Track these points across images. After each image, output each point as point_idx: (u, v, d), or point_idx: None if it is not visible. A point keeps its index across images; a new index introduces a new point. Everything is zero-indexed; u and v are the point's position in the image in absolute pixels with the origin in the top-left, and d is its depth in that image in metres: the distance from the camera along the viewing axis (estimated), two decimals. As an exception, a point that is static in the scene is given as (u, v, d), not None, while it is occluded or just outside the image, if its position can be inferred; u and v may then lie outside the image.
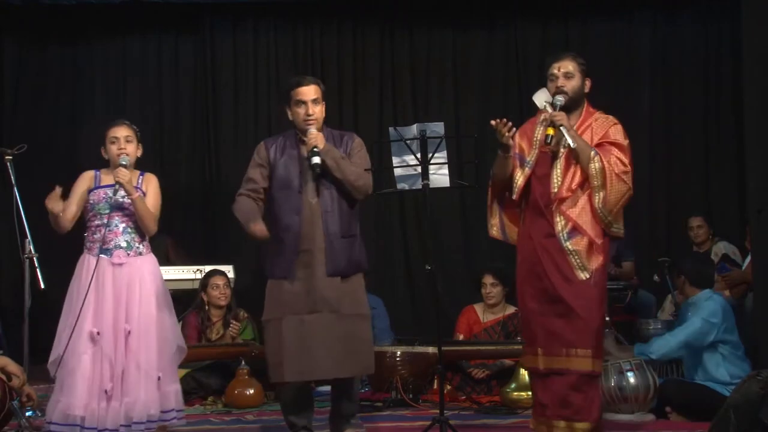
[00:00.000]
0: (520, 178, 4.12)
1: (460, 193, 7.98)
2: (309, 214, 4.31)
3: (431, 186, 4.30)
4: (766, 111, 4.64)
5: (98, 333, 4.32)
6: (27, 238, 5.12)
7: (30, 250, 5.11)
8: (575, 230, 3.98)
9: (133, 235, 4.48)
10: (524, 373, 5.62)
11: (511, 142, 4.09)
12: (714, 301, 5.17)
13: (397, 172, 4.40)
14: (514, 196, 4.13)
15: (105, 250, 4.41)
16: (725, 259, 6.66)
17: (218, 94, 8.16)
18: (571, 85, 4.06)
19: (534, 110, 4.22)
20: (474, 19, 8.28)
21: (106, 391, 4.27)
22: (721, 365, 5.07)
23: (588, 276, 3.98)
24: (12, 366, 4.43)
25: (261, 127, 8.15)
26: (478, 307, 6.32)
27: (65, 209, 4.45)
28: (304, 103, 4.36)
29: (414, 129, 4.33)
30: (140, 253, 4.49)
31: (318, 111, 4.39)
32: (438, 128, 4.30)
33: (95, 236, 4.45)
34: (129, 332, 4.34)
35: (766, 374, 3.45)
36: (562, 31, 8.28)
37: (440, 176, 4.34)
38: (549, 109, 4.03)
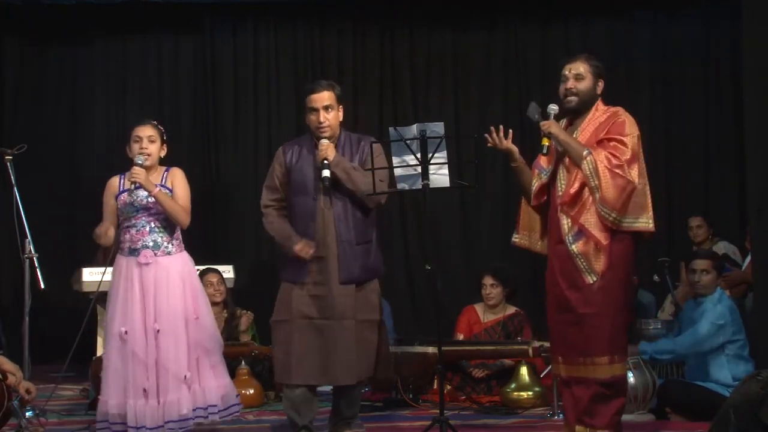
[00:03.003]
0: (535, 184, 4.19)
1: (460, 193, 7.97)
2: (322, 221, 4.37)
3: (431, 186, 4.30)
4: (766, 111, 4.64)
5: (126, 332, 4.38)
6: (27, 238, 5.13)
7: (30, 250, 5.12)
8: (580, 232, 3.99)
9: (161, 235, 4.51)
10: (524, 373, 5.63)
11: (508, 146, 4.16)
12: (723, 304, 5.15)
13: (397, 172, 4.39)
14: (531, 203, 4.20)
15: (133, 251, 4.48)
16: (725, 259, 6.66)
17: (218, 94, 8.16)
18: (582, 86, 4.10)
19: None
20: (474, 19, 8.27)
21: (144, 390, 4.33)
22: (725, 367, 5.07)
23: (595, 279, 3.97)
24: (8, 364, 4.44)
25: (261, 127, 8.15)
26: (479, 307, 6.31)
27: (107, 227, 4.54)
28: (317, 110, 4.39)
29: (414, 129, 4.33)
30: (168, 253, 4.52)
31: (332, 117, 4.42)
32: (438, 128, 4.30)
33: (125, 237, 4.53)
34: (158, 331, 4.39)
35: (766, 374, 3.45)
36: (562, 31, 8.28)
37: (440, 176, 4.33)
38: (539, 120, 4.11)
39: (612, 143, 3.99)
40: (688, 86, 8.21)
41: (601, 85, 4.16)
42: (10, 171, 5.20)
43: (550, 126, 4.06)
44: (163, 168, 4.62)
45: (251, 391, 5.81)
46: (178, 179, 4.59)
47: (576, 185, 4.01)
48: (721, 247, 6.98)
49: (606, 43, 8.20)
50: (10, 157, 5.22)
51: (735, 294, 6.29)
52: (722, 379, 5.03)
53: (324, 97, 4.40)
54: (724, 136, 8.02)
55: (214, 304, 6.29)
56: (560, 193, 4.06)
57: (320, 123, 4.38)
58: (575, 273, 4.00)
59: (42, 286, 4.91)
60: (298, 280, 4.38)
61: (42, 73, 8.17)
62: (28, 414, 5.04)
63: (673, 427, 4.98)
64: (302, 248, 4.33)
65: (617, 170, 3.94)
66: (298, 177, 4.43)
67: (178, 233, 4.60)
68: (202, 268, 6.48)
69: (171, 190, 4.54)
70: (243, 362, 5.89)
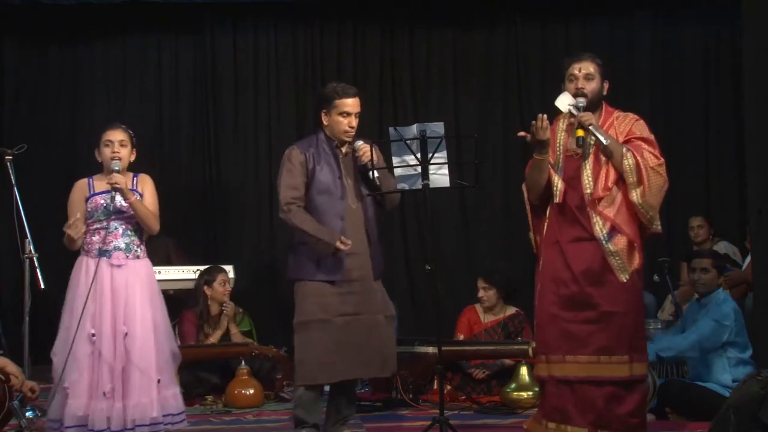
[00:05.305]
0: (559, 182, 4.05)
1: (460, 193, 7.97)
2: (352, 218, 4.46)
3: (431, 186, 4.30)
4: (766, 111, 4.63)
5: (94, 334, 4.34)
6: (27, 238, 5.13)
7: (30, 250, 5.12)
8: (614, 230, 3.92)
9: (132, 238, 4.50)
10: (524, 373, 5.63)
11: (548, 136, 4.00)
12: (727, 304, 5.15)
13: (397, 172, 4.41)
14: (557, 200, 4.04)
15: (104, 252, 4.43)
16: (726, 259, 6.66)
17: (218, 94, 8.15)
18: (591, 86, 4.04)
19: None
20: (474, 19, 8.27)
21: (104, 393, 4.29)
22: (727, 370, 5.06)
23: (628, 277, 3.92)
24: (11, 366, 4.45)
25: (261, 127, 8.15)
26: (479, 307, 6.31)
27: (80, 228, 4.47)
28: (349, 114, 4.49)
29: (414, 129, 4.34)
30: (138, 257, 4.51)
31: (356, 124, 4.54)
32: (438, 128, 4.30)
33: (94, 238, 4.46)
34: (126, 334, 4.36)
35: (766, 374, 3.45)
36: (562, 31, 8.28)
37: (440, 176, 4.34)
38: (574, 112, 3.99)
39: (644, 143, 3.98)
40: (688, 86, 8.21)
41: (606, 86, 4.11)
42: (10, 171, 5.20)
43: (592, 118, 3.95)
44: (131, 173, 4.58)
45: (251, 391, 5.82)
46: (148, 185, 4.58)
47: (610, 180, 3.95)
48: (722, 247, 6.99)
49: (606, 43, 8.19)
50: (10, 157, 5.22)
51: (735, 294, 6.29)
52: (724, 381, 5.02)
53: (357, 104, 4.53)
54: (724, 136, 8.02)
55: (219, 302, 6.33)
56: (588, 191, 3.96)
57: (351, 127, 4.49)
58: (605, 271, 3.92)
59: (42, 286, 4.91)
60: (332, 278, 4.43)
61: (42, 73, 8.16)
62: (28, 414, 5.05)
63: (673, 427, 4.98)
64: (344, 243, 4.39)
65: (658, 169, 3.97)
66: (323, 178, 4.47)
67: (143, 239, 4.58)
68: (206, 266, 6.52)
69: (141, 195, 4.52)
70: (243, 362, 5.90)
